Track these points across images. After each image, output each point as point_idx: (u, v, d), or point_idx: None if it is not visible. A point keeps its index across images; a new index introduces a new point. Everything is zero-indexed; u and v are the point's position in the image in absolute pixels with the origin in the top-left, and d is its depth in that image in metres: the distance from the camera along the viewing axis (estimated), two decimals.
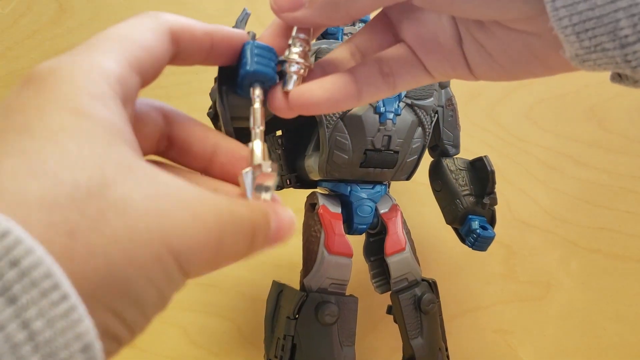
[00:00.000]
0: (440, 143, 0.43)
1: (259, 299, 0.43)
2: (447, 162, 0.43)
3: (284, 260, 0.56)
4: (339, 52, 0.24)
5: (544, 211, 0.63)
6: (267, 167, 0.21)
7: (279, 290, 0.40)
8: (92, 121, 0.15)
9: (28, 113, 0.15)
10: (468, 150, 0.61)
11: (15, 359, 0.11)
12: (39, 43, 0.57)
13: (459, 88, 0.65)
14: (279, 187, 0.43)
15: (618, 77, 0.20)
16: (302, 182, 0.43)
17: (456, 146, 0.44)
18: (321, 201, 0.40)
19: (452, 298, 0.60)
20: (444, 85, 0.42)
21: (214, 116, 0.34)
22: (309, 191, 0.43)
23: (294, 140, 0.42)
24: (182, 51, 0.19)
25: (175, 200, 0.15)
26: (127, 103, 0.17)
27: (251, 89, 0.22)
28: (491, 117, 0.63)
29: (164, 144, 0.20)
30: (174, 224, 0.15)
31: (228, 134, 0.28)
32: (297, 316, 0.37)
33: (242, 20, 0.33)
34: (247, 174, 0.20)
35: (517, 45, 0.20)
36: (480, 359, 0.60)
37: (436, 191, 0.45)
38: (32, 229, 0.13)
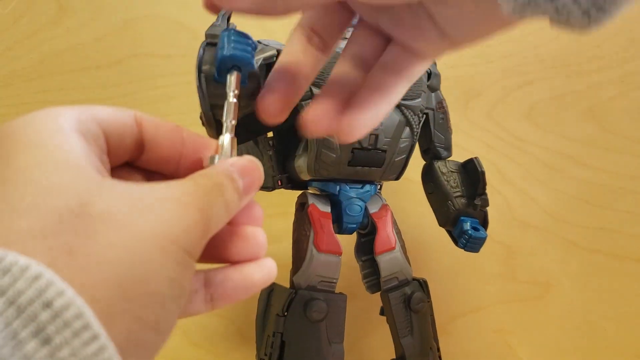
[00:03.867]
0: (432, 146, 0.43)
1: None
2: (439, 164, 0.44)
3: (283, 260, 0.56)
4: (342, 68, 0.24)
5: (544, 211, 0.63)
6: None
7: (269, 289, 0.41)
8: (56, 153, 0.16)
9: None
10: (468, 151, 0.61)
11: None
12: (39, 43, 0.57)
13: (460, 88, 0.65)
14: (271, 187, 0.43)
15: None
16: (293, 182, 0.43)
17: (447, 148, 0.44)
18: (311, 200, 0.40)
19: (452, 298, 0.60)
20: (433, 88, 0.42)
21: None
22: (301, 192, 0.43)
23: (284, 141, 0.42)
24: (149, 137, 0.21)
25: (154, 197, 0.16)
26: (89, 140, 0.18)
27: (228, 76, 0.22)
28: (491, 117, 0.63)
29: (138, 150, 0.21)
30: (162, 216, 0.16)
31: (207, 119, 0.27)
32: (286, 313, 0.37)
33: (224, 15, 0.33)
34: (213, 158, 0.21)
35: (467, 8, 0.20)
36: (480, 359, 0.60)
37: (428, 194, 0.45)
38: (35, 257, 0.13)
